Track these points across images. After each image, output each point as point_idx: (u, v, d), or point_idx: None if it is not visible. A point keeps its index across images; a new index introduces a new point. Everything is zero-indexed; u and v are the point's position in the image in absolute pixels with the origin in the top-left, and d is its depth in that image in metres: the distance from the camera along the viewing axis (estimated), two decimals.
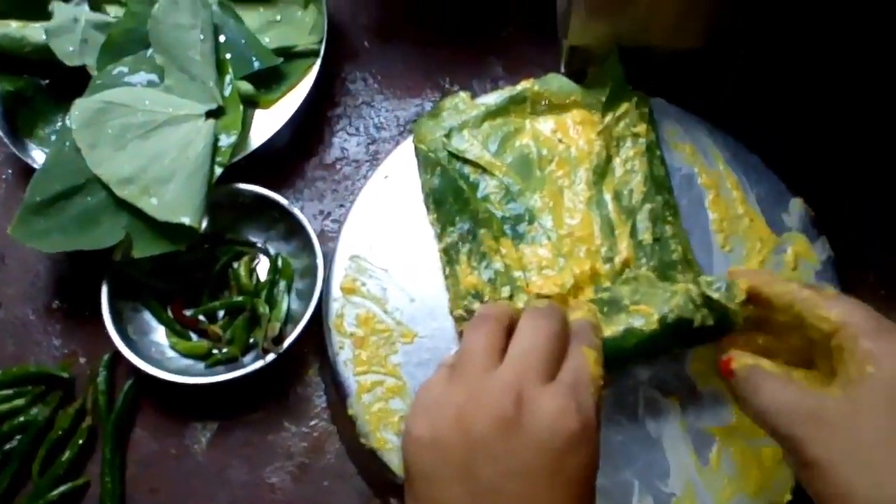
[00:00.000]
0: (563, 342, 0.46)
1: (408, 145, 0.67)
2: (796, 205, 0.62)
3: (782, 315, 0.49)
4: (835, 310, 0.45)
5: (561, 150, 0.62)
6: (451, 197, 0.62)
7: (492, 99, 0.65)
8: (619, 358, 0.52)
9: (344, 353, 0.60)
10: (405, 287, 0.62)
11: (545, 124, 0.64)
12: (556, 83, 0.65)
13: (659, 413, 0.57)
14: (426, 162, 0.64)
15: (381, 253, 0.63)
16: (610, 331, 0.52)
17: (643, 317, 0.52)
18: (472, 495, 0.41)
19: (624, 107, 0.64)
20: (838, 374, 0.44)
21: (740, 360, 0.48)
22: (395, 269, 0.62)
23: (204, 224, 0.67)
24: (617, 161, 0.62)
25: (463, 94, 0.66)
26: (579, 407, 0.42)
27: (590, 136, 0.63)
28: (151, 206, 0.66)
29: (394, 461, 0.57)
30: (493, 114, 0.65)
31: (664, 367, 0.58)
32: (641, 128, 0.63)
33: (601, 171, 0.61)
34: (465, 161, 0.63)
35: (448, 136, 0.64)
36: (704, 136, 0.64)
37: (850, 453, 0.42)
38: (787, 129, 0.69)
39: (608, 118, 0.63)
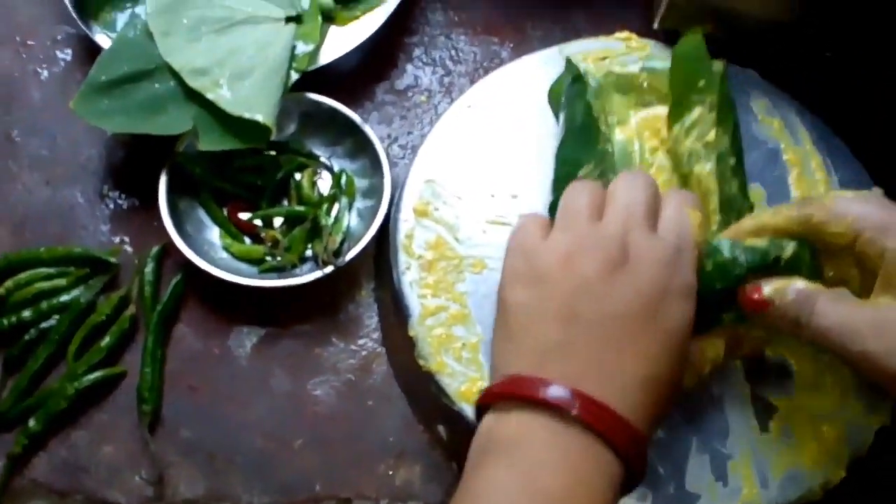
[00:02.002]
0: (659, 200, 0.45)
1: (492, 79, 0.62)
2: (877, 194, 0.58)
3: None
4: (850, 215, 0.43)
5: (660, 156, 0.58)
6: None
7: (593, 80, 0.57)
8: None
9: (410, 274, 0.56)
10: (478, 218, 0.57)
11: (651, 118, 0.58)
12: (662, 66, 0.58)
13: (722, 376, 0.54)
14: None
15: (457, 181, 0.58)
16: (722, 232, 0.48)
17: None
18: (568, 332, 0.40)
19: (696, 113, 0.55)
20: (879, 279, 0.41)
21: (771, 285, 0.43)
22: (470, 199, 0.58)
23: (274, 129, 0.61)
24: (693, 180, 0.54)
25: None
26: (679, 266, 0.42)
27: None
28: (224, 99, 0.61)
29: (451, 385, 0.52)
30: (596, 94, 0.57)
31: None
32: (713, 133, 0.54)
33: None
34: None
35: None
36: (793, 114, 0.61)
37: None
38: (876, 118, 0.65)
39: (676, 130, 0.56)
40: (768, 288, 0.43)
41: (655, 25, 0.64)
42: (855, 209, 0.43)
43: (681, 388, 0.43)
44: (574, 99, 0.56)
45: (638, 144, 0.58)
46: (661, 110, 0.58)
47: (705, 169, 0.53)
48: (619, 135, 0.58)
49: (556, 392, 0.39)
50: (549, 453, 0.38)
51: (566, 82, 0.57)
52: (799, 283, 0.43)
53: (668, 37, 0.64)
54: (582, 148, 0.54)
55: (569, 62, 0.58)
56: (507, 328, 0.43)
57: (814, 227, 0.44)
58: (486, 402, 0.41)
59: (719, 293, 0.44)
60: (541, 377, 0.40)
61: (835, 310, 0.41)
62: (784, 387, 0.53)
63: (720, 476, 0.51)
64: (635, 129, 0.58)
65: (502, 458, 0.39)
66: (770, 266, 0.44)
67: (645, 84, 0.59)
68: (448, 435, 0.57)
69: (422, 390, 0.55)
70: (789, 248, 0.44)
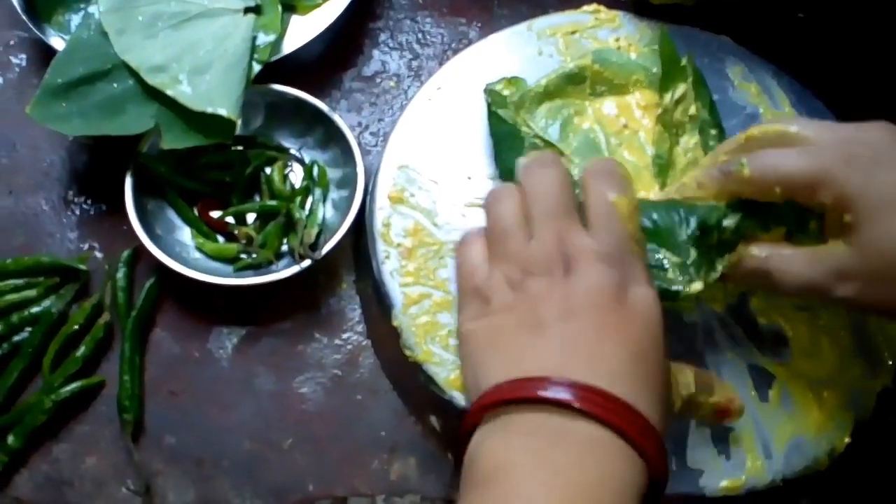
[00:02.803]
0: (571, 188, 0.44)
1: (461, 59, 0.60)
2: None
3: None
4: (774, 179, 0.43)
5: (628, 136, 0.56)
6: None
7: (545, 78, 0.57)
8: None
9: (390, 263, 0.53)
10: (456, 202, 0.55)
11: (608, 107, 0.57)
12: (616, 58, 0.57)
13: (717, 346, 0.52)
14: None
15: (431, 165, 0.56)
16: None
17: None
18: (538, 335, 0.38)
19: (681, 88, 0.55)
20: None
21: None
22: (446, 183, 0.56)
23: (238, 122, 0.59)
24: (678, 150, 0.55)
25: (514, 79, 0.57)
26: (625, 258, 0.40)
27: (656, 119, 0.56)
28: (185, 94, 0.58)
29: (440, 374, 0.51)
30: (550, 95, 0.56)
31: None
32: (694, 108, 0.55)
33: (664, 163, 0.54)
34: None
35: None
36: (769, 77, 0.59)
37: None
38: (852, 76, 0.64)
39: (666, 99, 0.55)
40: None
41: None
42: (775, 173, 0.42)
43: (668, 375, 0.40)
44: (490, 118, 0.55)
45: (601, 131, 0.56)
46: (615, 100, 0.57)
47: (692, 140, 0.54)
48: (585, 124, 0.56)
49: (547, 389, 0.35)
50: (541, 469, 0.34)
51: (485, 112, 0.56)
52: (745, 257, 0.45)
53: (637, 7, 0.62)
54: (514, 154, 0.53)
55: (487, 90, 0.56)
56: (472, 357, 0.40)
57: (746, 196, 0.45)
58: (468, 429, 0.38)
59: None
60: (523, 378, 0.36)
61: (790, 272, 0.44)
62: (780, 353, 0.52)
63: (722, 450, 0.50)
64: (594, 117, 0.56)
65: (488, 493, 0.34)
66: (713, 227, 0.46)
67: (601, 77, 0.57)
68: (441, 425, 0.55)
69: (411, 381, 0.53)
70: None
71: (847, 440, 0.50)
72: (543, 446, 0.35)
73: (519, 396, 0.36)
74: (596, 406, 0.34)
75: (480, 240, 0.44)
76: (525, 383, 0.36)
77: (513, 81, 0.56)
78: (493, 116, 0.55)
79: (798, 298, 0.45)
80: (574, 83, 0.57)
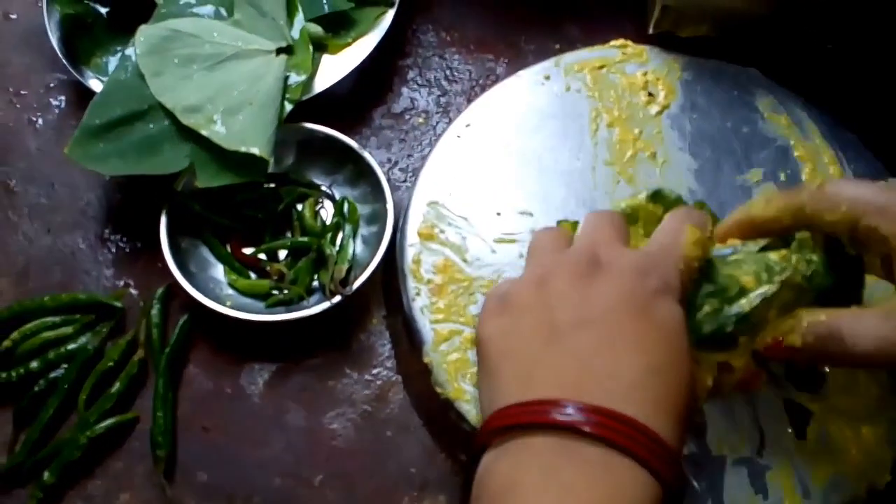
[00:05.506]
0: (626, 225, 0.43)
1: (489, 96, 0.60)
2: (893, 185, 0.55)
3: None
4: (843, 201, 0.39)
5: None
6: None
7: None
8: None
9: (420, 300, 0.53)
10: (486, 237, 0.55)
11: None
12: (668, 193, 0.50)
13: None
14: None
15: (460, 201, 0.56)
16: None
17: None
18: (550, 346, 0.36)
19: None
20: None
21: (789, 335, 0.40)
22: (475, 219, 0.55)
23: (270, 161, 0.59)
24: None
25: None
26: (658, 269, 0.38)
27: None
28: (219, 134, 0.58)
29: (471, 412, 0.50)
30: None
31: None
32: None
33: None
34: None
35: None
36: (799, 109, 0.58)
37: None
38: (884, 107, 0.62)
39: None
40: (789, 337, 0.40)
41: (650, 30, 0.62)
42: (848, 193, 0.40)
43: (692, 388, 0.38)
44: None
45: None
46: None
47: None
48: None
49: (557, 413, 0.34)
50: (550, 488, 0.33)
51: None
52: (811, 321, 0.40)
53: (663, 41, 0.61)
54: None
55: None
56: (486, 366, 0.38)
57: (808, 217, 0.41)
58: (478, 448, 0.37)
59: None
60: (534, 401, 0.35)
61: (865, 330, 0.38)
62: (817, 389, 0.50)
63: (759, 489, 0.48)
64: None
65: None
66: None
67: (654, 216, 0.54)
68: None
69: (441, 417, 0.52)
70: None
71: (888, 478, 0.49)
72: (554, 467, 0.33)
73: (529, 421, 0.35)
74: (605, 429, 0.33)
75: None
76: (535, 407, 0.35)
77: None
78: None
79: (869, 364, 0.39)
80: (630, 223, 0.53)
